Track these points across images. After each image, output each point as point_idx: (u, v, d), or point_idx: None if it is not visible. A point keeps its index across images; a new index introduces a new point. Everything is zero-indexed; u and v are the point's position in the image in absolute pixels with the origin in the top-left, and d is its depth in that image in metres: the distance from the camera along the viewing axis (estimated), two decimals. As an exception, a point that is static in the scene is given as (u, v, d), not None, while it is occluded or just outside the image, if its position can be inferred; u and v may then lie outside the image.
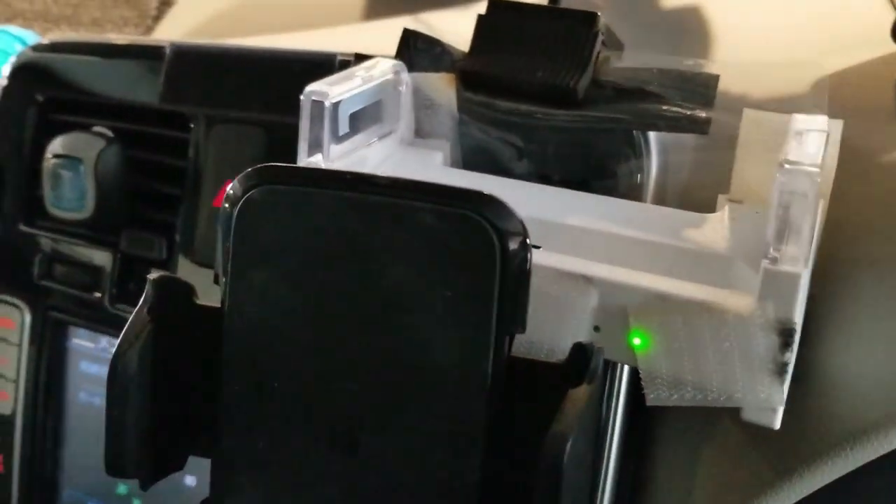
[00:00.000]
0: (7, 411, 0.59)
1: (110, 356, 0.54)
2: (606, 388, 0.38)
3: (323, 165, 0.38)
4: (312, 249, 0.28)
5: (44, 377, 0.58)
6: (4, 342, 0.58)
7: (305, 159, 0.38)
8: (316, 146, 0.38)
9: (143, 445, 0.30)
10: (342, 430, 0.29)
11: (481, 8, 0.60)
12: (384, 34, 0.66)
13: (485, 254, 0.27)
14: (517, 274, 0.27)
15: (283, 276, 0.29)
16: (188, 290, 0.32)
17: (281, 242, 0.29)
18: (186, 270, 0.52)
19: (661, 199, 0.41)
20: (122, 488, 0.57)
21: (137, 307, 0.30)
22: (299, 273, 0.29)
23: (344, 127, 0.38)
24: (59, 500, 0.59)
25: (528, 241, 0.27)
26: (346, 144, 0.40)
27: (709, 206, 0.39)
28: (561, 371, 0.29)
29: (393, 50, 0.46)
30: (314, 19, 0.73)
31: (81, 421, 0.58)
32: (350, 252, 0.28)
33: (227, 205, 0.29)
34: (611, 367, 0.39)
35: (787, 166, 0.30)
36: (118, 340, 0.29)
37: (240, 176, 0.29)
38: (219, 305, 0.30)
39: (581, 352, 0.28)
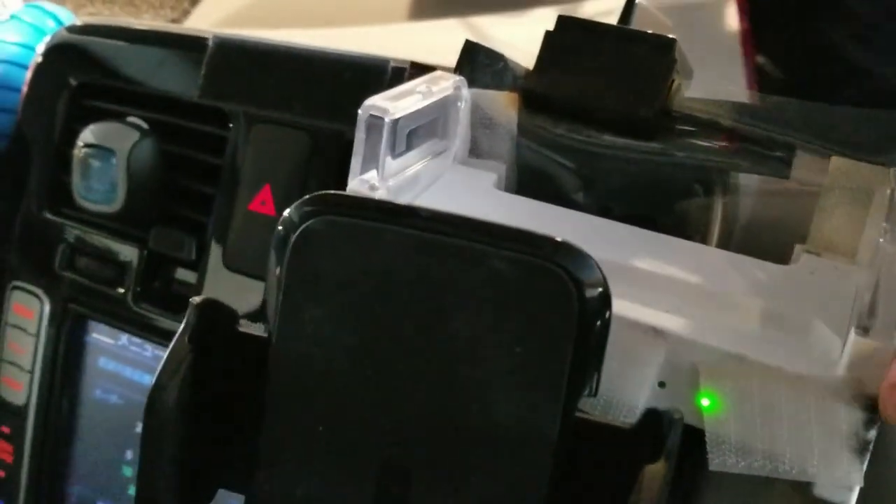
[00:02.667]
0: (20, 402, 0.57)
1: (130, 353, 0.54)
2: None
3: (377, 182, 0.36)
4: (373, 288, 0.26)
5: (60, 370, 0.56)
6: (22, 331, 0.57)
7: (359, 175, 0.36)
8: (371, 163, 0.36)
9: (177, 480, 0.28)
10: (391, 485, 0.27)
11: (535, 16, 0.58)
12: (433, 37, 0.64)
13: (561, 308, 0.25)
14: (595, 333, 0.25)
15: (339, 314, 0.27)
16: (232, 316, 0.29)
17: (340, 278, 0.27)
18: (215, 273, 0.50)
19: (726, 242, 0.39)
20: (133, 488, 0.55)
21: (178, 333, 0.28)
22: (357, 312, 0.26)
23: (401, 145, 0.36)
24: (68, 497, 0.57)
25: (609, 296, 0.25)
26: (400, 161, 0.37)
27: (776, 253, 0.36)
28: (631, 437, 0.26)
29: (438, 53, 0.44)
30: (356, 15, 0.71)
31: (95, 417, 0.56)
32: (414, 295, 0.26)
33: (282, 229, 0.27)
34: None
35: (891, 233, 0.28)
36: (158, 370, 0.27)
37: (300, 201, 0.27)
38: (263, 334, 0.28)
39: (656, 420, 0.26)
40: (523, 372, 0.25)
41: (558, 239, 0.25)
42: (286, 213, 0.28)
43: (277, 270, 0.27)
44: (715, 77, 0.47)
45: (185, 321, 0.28)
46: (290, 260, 0.27)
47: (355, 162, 0.36)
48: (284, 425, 0.28)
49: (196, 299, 0.29)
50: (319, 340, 0.27)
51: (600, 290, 0.25)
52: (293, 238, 0.27)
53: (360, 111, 0.35)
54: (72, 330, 0.56)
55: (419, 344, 0.26)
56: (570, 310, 0.25)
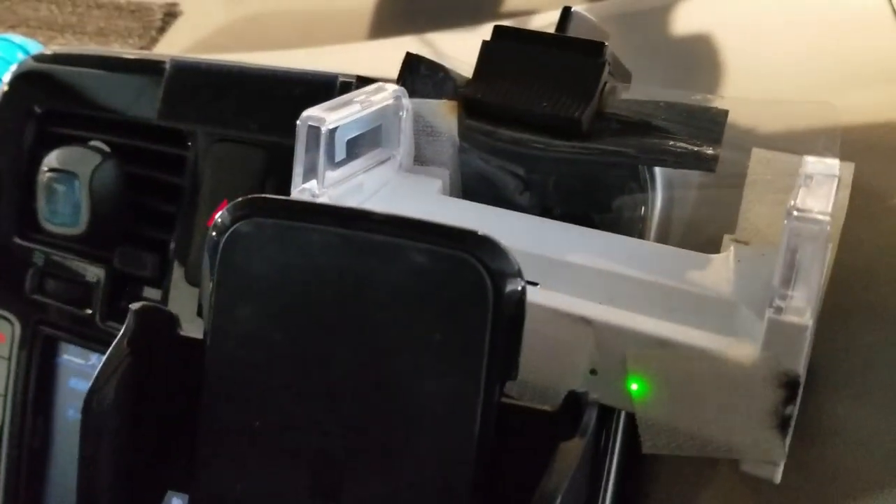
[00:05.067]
0: (-6, 425, 0.58)
1: (100, 374, 0.55)
2: (602, 431, 0.37)
3: (317, 191, 0.37)
4: (300, 286, 0.27)
5: (32, 392, 0.57)
6: (-6, 356, 0.58)
7: (300, 185, 0.37)
8: (311, 172, 0.37)
9: (118, 482, 0.29)
10: (325, 474, 0.28)
11: (488, 31, 0.59)
12: (388, 54, 0.66)
13: (477, 296, 0.26)
14: (511, 319, 0.26)
15: (268, 312, 0.28)
16: (172, 320, 0.31)
17: (268, 277, 0.28)
18: (179, 289, 0.51)
19: (663, 236, 0.40)
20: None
21: (117, 338, 0.29)
22: (286, 309, 0.28)
23: (340, 153, 0.38)
24: (44, 518, 0.58)
25: (523, 285, 0.26)
26: (343, 170, 0.39)
27: (712, 245, 0.38)
28: (553, 419, 0.27)
29: (396, 70, 0.45)
30: (318, 36, 0.73)
31: (69, 438, 0.57)
32: (339, 290, 0.27)
33: (214, 234, 0.28)
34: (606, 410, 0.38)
35: (796, 213, 0.29)
36: (94, 374, 0.28)
37: (229, 205, 0.28)
38: (197, 337, 0.30)
39: (574, 401, 0.27)
40: (444, 360, 0.26)
41: (474, 231, 0.26)
42: (217, 217, 0.29)
43: (209, 273, 0.28)
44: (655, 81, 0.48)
45: (124, 326, 0.29)
46: (220, 262, 0.28)
47: (296, 172, 0.37)
48: (220, 423, 0.29)
49: (135, 305, 0.30)
50: (250, 338, 0.28)
51: (516, 279, 0.26)
52: (223, 240, 0.28)
53: (298, 122, 0.37)
54: (43, 352, 0.56)
55: (345, 337, 0.27)
56: (485, 298, 0.26)
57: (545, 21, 0.61)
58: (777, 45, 0.50)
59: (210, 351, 0.29)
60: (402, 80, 0.43)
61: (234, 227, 0.28)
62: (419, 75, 0.43)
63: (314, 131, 0.36)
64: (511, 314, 0.26)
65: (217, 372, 0.29)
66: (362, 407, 0.27)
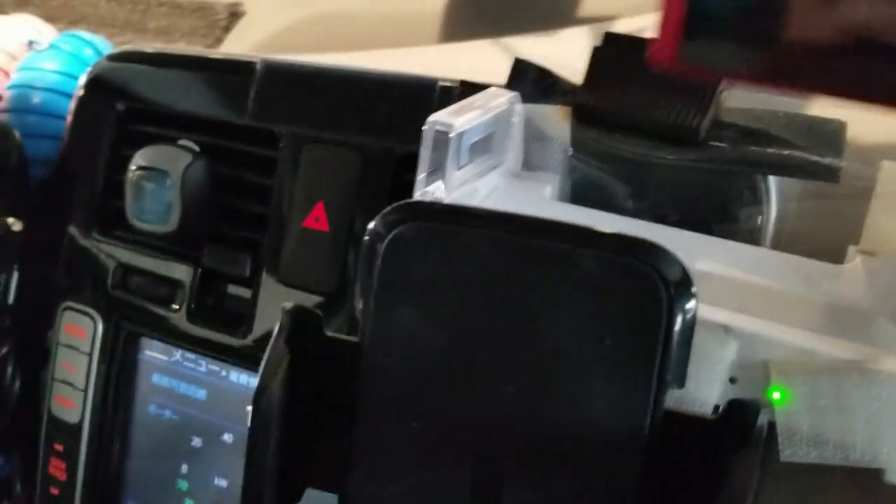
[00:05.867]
0: (74, 420, 0.58)
1: (184, 369, 0.55)
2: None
3: (443, 194, 0.37)
4: (464, 290, 0.28)
5: (113, 388, 0.57)
6: (75, 351, 0.58)
7: (424, 188, 0.37)
8: (435, 175, 0.37)
9: (275, 479, 0.29)
10: (485, 479, 0.28)
11: (564, 37, 0.59)
12: (460, 57, 0.66)
13: (651, 305, 0.26)
14: (683, 328, 0.26)
15: (430, 316, 0.28)
16: (319, 321, 0.31)
17: (430, 281, 0.28)
18: (269, 289, 0.51)
19: (777, 245, 0.40)
20: (189, 502, 0.56)
21: (274, 337, 0.29)
22: (449, 314, 0.28)
23: (464, 158, 0.38)
24: (121, 514, 0.58)
25: (695, 295, 0.26)
26: (462, 173, 0.39)
27: (825, 255, 0.38)
28: (718, 427, 0.28)
29: (472, 74, 0.46)
30: (384, 39, 0.73)
31: (150, 433, 0.57)
32: (504, 295, 0.27)
33: (369, 239, 0.29)
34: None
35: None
36: (260, 373, 0.28)
37: (386, 210, 0.29)
38: (351, 338, 0.30)
39: (740, 410, 0.27)
40: (613, 367, 0.27)
41: (649, 241, 0.26)
42: (371, 224, 0.29)
43: (367, 277, 0.29)
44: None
45: (278, 325, 0.30)
46: (380, 266, 0.28)
47: (420, 175, 0.37)
48: (377, 425, 0.29)
49: (287, 305, 0.30)
50: (411, 342, 0.28)
51: (688, 286, 0.26)
52: (383, 245, 0.28)
53: (425, 126, 0.37)
54: (125, 347, 0.57)
55: (510, 343, 0.27)
56: (659, 306, 0.26)
57: (625, 28, 0.62)
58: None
59: (368, 353, 0.29)
60: (511, 84, 0.43)
61: (396, 231, 0.28)
62: (528, 81, 0.43)
63: (442, 136, 0.36)
64: (685, 323, 0.26)
65: (374, 374, 0.29)
66: (526, 411, 0.27)
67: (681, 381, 0.27)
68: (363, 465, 0.29)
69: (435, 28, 0.71)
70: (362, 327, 0.29)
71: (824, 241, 0.39)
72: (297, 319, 0.30)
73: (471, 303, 0.28)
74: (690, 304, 0.26)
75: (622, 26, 0.62)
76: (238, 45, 0.76)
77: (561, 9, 0.67)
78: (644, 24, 0.52)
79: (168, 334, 0.55)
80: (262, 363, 0.29)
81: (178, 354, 0.55)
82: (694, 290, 0.26)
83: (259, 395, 0.28)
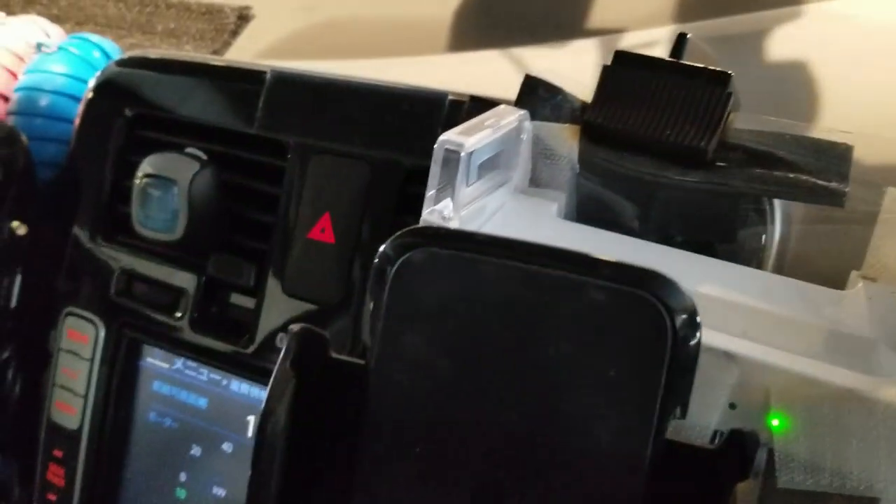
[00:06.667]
0: (74, 426, 0.58)
1: (186, 377, 0.55)
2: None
3: (451, 213, 0.37)
4: (471, 317, 0.28)
5: (114, 395, 0.57)
6: (76, 356, 0.58)
7: (433, 206, 0.37)
8: (444, 194, 0.37)
9: (279, 501, 0.29)
10: (486, 502, 0.28)
11: (573, 48, 0.59)
12: (469, 68, 0.66)
13: (656, 335, 0.26)
14: (686, 358, 0.26)
15: (437, 342, 0.28)
16: (324, 343, 0.31)
17: (438, 307, 0.28)
18: (273, 299, 0.52)
19: (780, 268, 0.41)
20: (185, 513, 0.56)
21: (280, 360, 0.30)
22: (455, 340, 0.28)
23: (473, 176, 0.38)
24: (119, 520, 0.58)
25: (699, 323, 0.27)
26: (471, 191, 0.39)
27: (826, 279, 0.38)
28: (718, 457, 0.28)
29: (479, 85, 0.46)
30: (394, 46, 0.73)
31: (149, 440, 0.57)
32: (510, 322, 0.28)
33: (379, 262, 0.29)
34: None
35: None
36: (266, 395, 0.28)
37: (397, 234, 0.29)
38: (355, 360, 0.30)
39: (740, 440, 0.27)
40: (617, 396, 0.27)
41: (653, 270, 0.26)
42: (382, 248, 0.29)
43: (377, 300, 0.29)
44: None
45: (285, 348, 0.30)
46: (390, 290, 0.28)
47: (430, 193, 0.37)
48: (381, 447, 0.29)
49: (294, 327, 0.30)
50: (417, 366, 0.28)
51: (693, 318, 0.26)
52: (393, 269, 0.28)
53: (436, 145, 0.37)
54: (126, 354, 0.57)
55: (515, 369, 0.28)
56: (663, 336, 0.26)
57: (634, 41, 0.62)
58: (878, 72, 0.50)
59: (374, 375, 0.29)
60: (520, 101, 0.43)
61: (407, 255, 0.28)
62: (538, 98, 0.43)
63: (453, 155, 0.36)
64: (689, 354, 0.26)
65: (380, 397, 0.29)
66: (529, 438, 0.28)
67: (683, 411, 0.27)
68: (366, 487, 0.29)
69: (444, 36, 0.71)
70: (370, 351, 0.29)
71: (827, 264, 0.40)
72: (304, 341, 0.30)
73: (477, 329, 0.28)
74: (694, 335, 0.26)
75: (632, 39, 0.62)
76: (246, 49, 0.76)
77: (570, 20, 0.67)
78: (655, 36, 0.52)
79: (170, 342, 0.55)
80: (269, 387, 0.29)
81: (179, 363, 0.55)
82: (698, 320, 0.27)
83: (265, 420, 0.28)
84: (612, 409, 0.27)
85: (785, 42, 0.55)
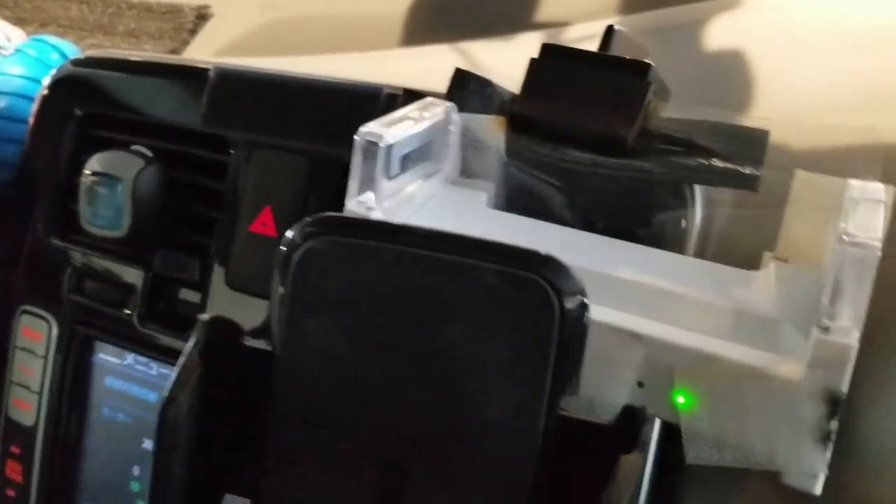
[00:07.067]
0: (29, 422, 0.59)
1: (136, 372, 0.56)
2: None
3: (373, 204, 0.38)
4: (371, 302, 0.29)
5: (68, 390, 0.58)
6: (31, 354, 0.59)
7: (356, 197, 0.38)
8: (367, 185, 0.38)
9: (187, 488, 0.30)
10: (388, 485, 0.29)
11: (521, 42, 0.60)
12: (421, 62, 0.67)
13: (544, 314, 0.27)
14: (575, 336, 0.27)
15: (339, 327, 0.29)
16: (237, 331, 0.32)
17: (339, 293, 0.29)
18: (219, 293, 0.52)
19: (701, 251, 0.41)
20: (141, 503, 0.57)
21: (187, 348, 0.30)
22: (356, 325, 0.29)
23: (395, 168, 0.39)
24: (76, 515, 0.59)
25: (587, 303, 0.27)
26: (396, 182, 0.40)
27: (748, 261, 0.39)
28: (610, 432, 0.29)
29: (431, 78, 0.46)
30: (350, 42, 0.74)
31: (103, 435, 0.58)
32: (409, 307, 0.28)
33: (285, 249, 0.30)
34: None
35: (846, 238, 0.30)
36: (169, 383, 0.29)
37: (301, 222, 0.30)
38: (264, 347, 0.31)
39: (631, 416, 0.28)
40: (511, 374, 0.28)
41: (542, 252, 0.27)
42: (288, 233, 0.30)
43: (280, 287, 0.29)
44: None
45: (194, 337, 0.31)
46: (293, 277, 0.29)
47: (352, 185, 0.38)
48: (286, 432, 0.30)
49: (204, 316, 0.31)
50: (320, 352, 0.29)
51: (579, 298, 0.27)
52: (296, 257, 0.29)
53: (356, 137, 0.38)
54: (79, 351, 0.58)
55: (414, 352, 0.28)
56: (552, 317, 0.27)
57: (579, 33, 0.63)
58: (814, 62, 0.51)
59: (279, 362, 0.30)
60: (451, 94, 0.44)
61: (308, 243, 0.29)
62: (468, 90, 0.44)
63: (372, 147, 0.37)
64: (576, 331, 0.27)
65: (285, 383, 0.30)
66: (428, 420, 0.28)
67: (575, 388, 0.28)
68: (275, 470, 0.30)
69: (398, 32, 0.72)
70: (275, 336, 0.30)
71: (747, 247, 0.40)
72: (213, 330, 0.31)
73: (378, 314, 0.29)
74: (582, 315, 0.27)
75: (577, 31, 0.63)
76: (204, 47, 0.77)
77: (519, 15, 0.68)
78: (599, 29, 0.53)
79: (121, 338, 0.56)
80: (173, 374, 0.29)
81: (130, 358, 0.56)
82: (586, 301, 0.27)
83: (166, 407, 0.29)
84: (507, 388, 0.28)
85: (723, 32, 0.56)
